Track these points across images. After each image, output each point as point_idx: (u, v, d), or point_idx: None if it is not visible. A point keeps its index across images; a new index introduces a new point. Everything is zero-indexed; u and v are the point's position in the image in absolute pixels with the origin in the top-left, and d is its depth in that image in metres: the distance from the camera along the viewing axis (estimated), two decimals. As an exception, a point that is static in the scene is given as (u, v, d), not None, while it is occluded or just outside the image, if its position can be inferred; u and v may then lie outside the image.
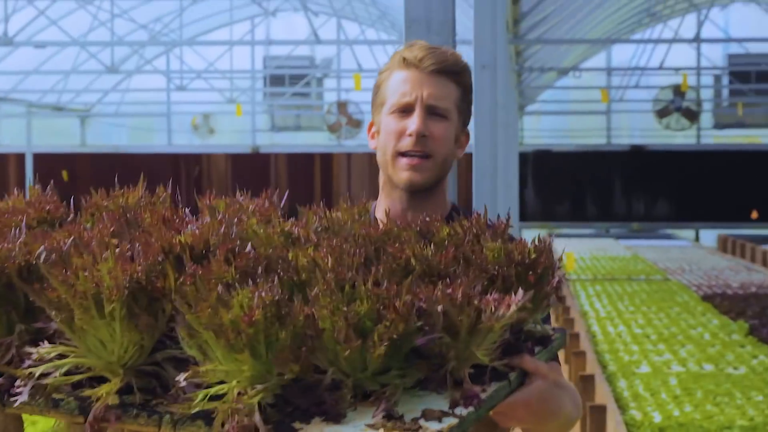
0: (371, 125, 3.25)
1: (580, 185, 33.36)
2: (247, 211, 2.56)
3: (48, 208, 2.64)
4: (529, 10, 18.44)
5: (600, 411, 9.33)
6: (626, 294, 17.91)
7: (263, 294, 2.04)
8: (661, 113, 32.15)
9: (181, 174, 33.45)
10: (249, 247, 2.29)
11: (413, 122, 3.03)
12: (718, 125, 34.06)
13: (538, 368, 2.41)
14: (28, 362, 2.17)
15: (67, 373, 2.19)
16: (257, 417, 2.03)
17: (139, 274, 2.13)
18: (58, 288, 2.11)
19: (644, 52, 32.98)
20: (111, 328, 2.13)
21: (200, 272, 2.13)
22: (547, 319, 2.79)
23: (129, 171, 35.72)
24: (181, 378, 2.08)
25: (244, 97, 34.54)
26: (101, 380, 2.21)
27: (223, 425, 2.05)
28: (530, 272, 2.39)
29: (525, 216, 30.91)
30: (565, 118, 35.81)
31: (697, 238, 33.77)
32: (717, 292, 17.97)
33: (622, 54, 34.10)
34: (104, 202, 2.67)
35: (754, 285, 19.09)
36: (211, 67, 31.93)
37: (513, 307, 2.17)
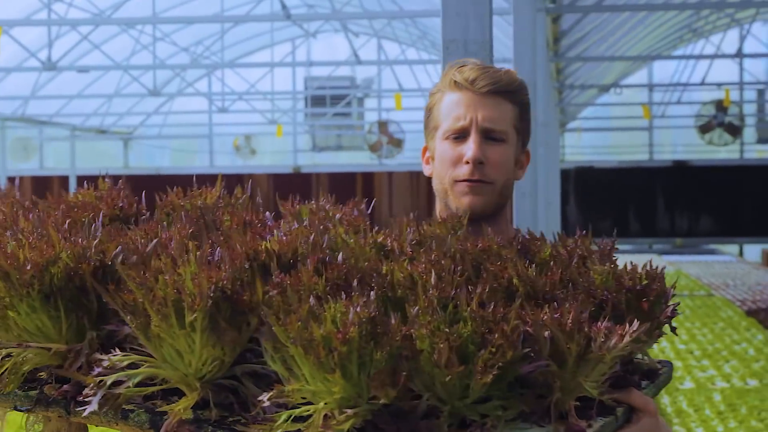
0: (425, 150, 3.20)
1: (622, 201, 33.01)
2: (334, 219, 2.44)
3: (121, 204, 2.56)
4: (569, 28, 18.44)
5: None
6: (669, 310, 17.84)
7: (359, 309, 1.87)
8: (704, 128, 31.99)
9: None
10: (340, 257, 2.15)
11: (469, 149, 2.98)
12: (762, 139, 34.02)
13: (646, 405, 2.24)
14: (98, 369, 2.04)
15: (139, 384, 2.07)
16: None
17: (225, 282, 1.99)
18: (136, 291, 1.99)
19: (686, 67, 32.87)
20: (191, 338, 2.00)
21: (289, 282, 1.98)
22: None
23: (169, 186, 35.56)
24: (265, 398, 1.94)
25: (285, 118, 34.69)
26: (174, 393, 2.11)
27: None
28: (643, 299, 2.22)
29: (567, 233, 30.59)
30: (606, 134, 35.83)
31: (741, 253, 33.67)
32: (762, 307, 17.94)
33: (663, 70, 34.06)
34: (180, 201, 2.59)
35: (798, 300, 19.04)
36: (252, 89, 31.60)
37: (627, 338, 2.01)
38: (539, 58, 11.47)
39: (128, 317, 2.01)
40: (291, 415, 1.91)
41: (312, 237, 2.23)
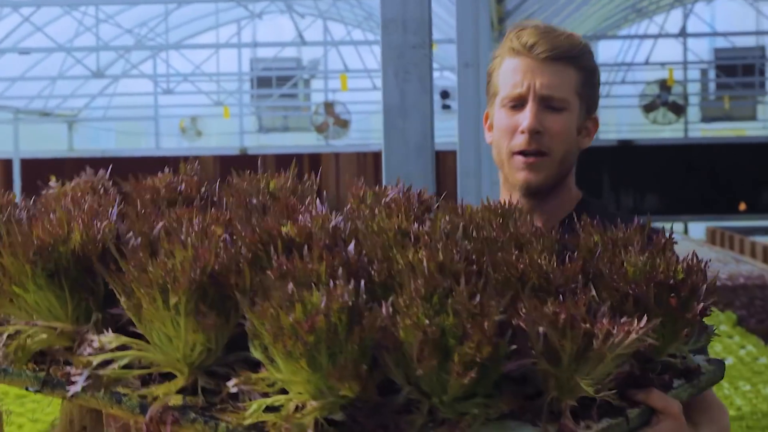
0: (487, 116, 3.13)
1: None
2: (380, 204, 2.35)
3: (180, 188, 2.51)
4: (514, 8, 18.50)
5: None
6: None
7: (335, 297, 1.82)
8: (648, 108, 32.35)
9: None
10: (351, 245, 2.09)
11: (525, 118, 2.92)
12: (705, 119, 34.49)
13: (668, 407, 2.13)
14: (88, 350, 2.05)
15: (130, 367, 2.06)
16: None
17: (216, 267, 1.98)
18: (129, 272, 1.98)
19: (630, 47, 33.46)
20: (176, 322, 1.98)
21: (286, 267, 1.95)
22: (703, 350, 2.46)
23: (117, 175, 35.70)
24: (231, 383, 1.91)
25: (231, 100, 34.85)
26: (173, 377, 2.09)
27: None
28: (673, 295, 2.13)
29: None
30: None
31: (686, 231, 33.83)
32: (707, 283, 17.94)
33: (608, 50, 34.28)
34: (246, 184, 2.54)
35: (742, 276, 19.15)
36: (197, 70, 31.93)
37: (633, 335, 1.92)
38: (483, 38, 11.38)
39: (123, 299, 2.00)
40: (262, 405, 1.86)
41: (333, 222, 2.18)
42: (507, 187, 3.00)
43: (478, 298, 1.82)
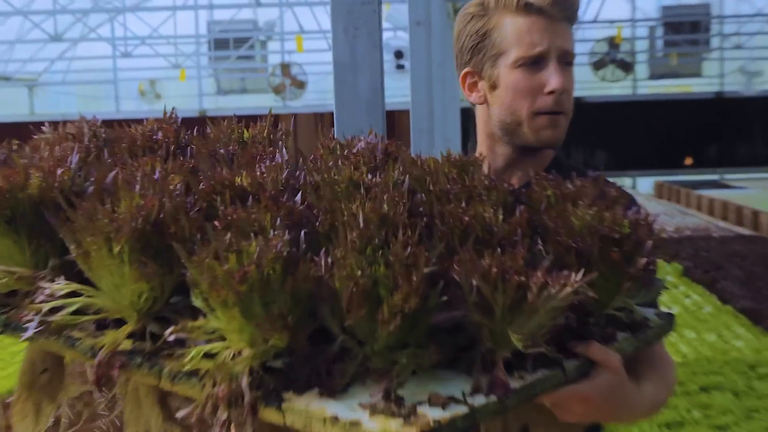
0: (466, 75, 3.05)
1: None
2: (344, 155, 2.31)
3: (159, 135, 2.47)
4: (463, -31, 18.51)
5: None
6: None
7: (269, 247, 1.80)
8: (597, 65, 32.31)
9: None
10: (298, 196, 2.07)
11: (554, 78, 2.87)
12: (653, 76, 34.33)
13: (607, 359, 2.10)
14: (40, 297, 2.05)
15: (83, 312, 2.05)
16: (243, 381, 1.82)
17: (162, 215, 1.96)
18: (77, 220, 1.97)
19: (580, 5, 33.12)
20: (121, 270, 1.95)
21: (231, 217, 1.94)
22: (653, 303, 2.47)
23: (78, 138, 35.28)
24: (167, 332, 1.90)
25: (190, 62, 34.49)
26: (125, 323, 2.07)
27: (212, 386, 1.83)
28: (617, 249, 2.08)
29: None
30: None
31: (634, 186, 34.03)
32: (655, 235, 18.12)
33: (558, 9, 34.15)
34: (222, 135, 2.51)
35: (689, 228, 19.43)
36: (155, 33, 31.83)
37: (568, 288, 1.87)
38: (434, 2, 11.56)
39: (72, 247, 2.02)
40: (201, 352, 1.88)
41: (285, 173, 2.17)
42: (492, 142, 3.01)
43: (410, 250, 1.82)
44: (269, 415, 1.84)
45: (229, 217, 1.94)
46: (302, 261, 1.83)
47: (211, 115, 30.48)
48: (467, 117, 25.39)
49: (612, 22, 31.37)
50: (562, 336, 1.99)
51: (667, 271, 13.92)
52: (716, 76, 34.23)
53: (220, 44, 33.20)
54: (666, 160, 32.64)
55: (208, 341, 1.89)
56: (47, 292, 2.06)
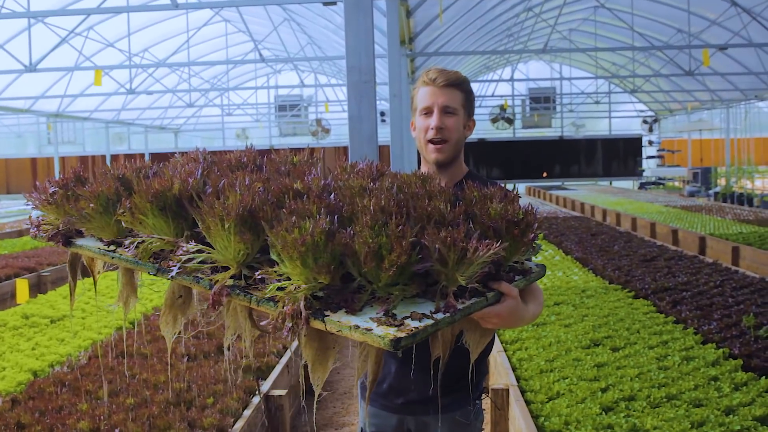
0: (412, 123, 3.02)
1: None
2: (353, 172, 2.40)
3: (244, 159, 2.51)
4: (419, 65, 18.45)
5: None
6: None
7: (317, 225, 1.92)
8: (494, 120, 33.84)
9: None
10: (332, 195, 2.14)
11: (433, 120, 2.84)
12: (524, 126, 35.51)
13: (510, 291, 2.18)
14: (179, 252, 2.11)
15: (205, 262, 2.11)
16: (301, 304, 1.91)
17: (252, 206, 2.03)
18: (203, 208, 2.06)
19: (484, 86, 33.60)
20: (228, 238, 2.02)
21: (293, 207, 2.04)
22: (532, 260, 2.54)
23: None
24: (257, 273, 1.98)
25: (264, 118, 35.08)
26: (228, 269, 2.15)
27: (282, 306, 1.94)
28: (516, 227, 2.19)
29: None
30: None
31: (515, 188, 34.05)
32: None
33: (472, 88, 34.35)
34: (279, 158, 2.54)
35: (546, 212, 19.28)
36: (245, 103, 32.12)
37: (491, 251, 2.01)
38: (403, 81, 11.57)
39: (200, 223, 2.09)
40: (275, 286, 1.94)
41: (323, 182, 2.24)
42: (425, 163, 2.95)
43: (400, 228, 1.94)
44: (316, 324, 1.95)
45: (292, 207, 2.06)
46: (337, 233, 1.96)
47: (276, 147, 30.49)
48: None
49: (502, 96, 32.51)
50: (486, 278, 2.12)
51: (534, 236, 13.73)
52: (559, 127, 35.20)
53: (281, 108, 33.96)
54: (532, 173, 34.58)
55: (279, 280, 1.98)
56: (184, 249, 2.14)
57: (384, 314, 1.90)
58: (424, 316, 1.92)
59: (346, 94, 4.91)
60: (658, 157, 34.18)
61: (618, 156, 34.62)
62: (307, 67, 31.98)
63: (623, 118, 36.20)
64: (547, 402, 4.79)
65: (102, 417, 4.36)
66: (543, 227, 14.63)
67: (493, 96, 33.94)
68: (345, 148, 35.62)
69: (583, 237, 12.84)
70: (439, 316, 1.94)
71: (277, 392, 5.20)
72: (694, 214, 17.41)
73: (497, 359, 5.85)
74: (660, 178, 32.90)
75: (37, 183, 2.40)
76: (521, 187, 34.18)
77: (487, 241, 2.02)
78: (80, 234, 2.34)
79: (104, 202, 2.22)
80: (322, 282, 1.92)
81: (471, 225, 2.14)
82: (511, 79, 31.55)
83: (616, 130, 35.93)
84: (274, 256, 1.97)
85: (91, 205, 2.22)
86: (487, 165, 35.09)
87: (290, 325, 1.92)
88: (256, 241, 2.05)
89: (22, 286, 8.49)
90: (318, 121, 33.52)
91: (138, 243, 2.20)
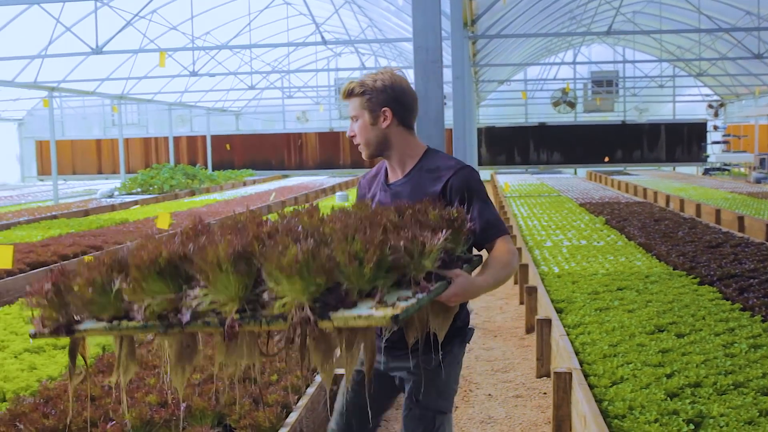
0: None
1: (511, 145, 34.67)
2: (302, 213, 2.82)
3: (231, 234, 2.64)
4: (481, 48, 18.32)
5: (524, 267, 9.34)
6: (538, 204, 17.77)
7: (304, 247, 2.28)
8: (555, 104, 33.93)
9: (291, 144, 34.59)
10: (300, 228, 2.56)
11: (348, 130, 3.22)
12: (587, 110, 35.00)
13: (459, 274, 2.64)
14: (190, 298, 2.35)
15: (211, 303, 2.35)
16: (308, 310, 2.24)
17: (238, 248, 2.33)
18: (196, 260, 2.33)
19: (545, 69, 33.38)
20: (227, 277, 2.29)
21: (272, 242, 2.38)
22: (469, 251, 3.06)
23: (262, 142, 35.63)
24: (264, 294, 2.29)
25: (324, 101, 35.02)
26: (232, 306, 2.38)
27: (291, 318, 2.24)
28: (455, 222, 2.74)
29: (481, 163, 31.16)
30: (502, 108, 35.77)
31: (575, 173, 33.91)
32: (587, 201, 17.89)
33: (533, 71, 34.19)
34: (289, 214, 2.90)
35: (607, 197, 19.00)
36: (306, 86, 32.16)
37: (441, 240, 2.52)
38: (466, 65, 11.51)
39: (199, 274, 2.35)
40: (280, 303, 2.23)
41: (285, 221, 2.67)
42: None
43: (369, 234, 2.36)
44: (324, 324, 2.26)
45: (276, 239, 2.39)
46: (320, 250, 2.29)
47: (336, 130, 30.36)
48: (480, 133, 25.35)
49: (564, 79, 32.23)
50: (442, 267, 2.58)
51: (596, 221, 13.56)
52: (621, 111, 34.61)
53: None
54: (593, 158, 34.10)
55: (278, 299, 2.26)
56: (192, 294, 2.38)
57: (378, 302, 2.30)
58: (408, 297, 2.36)
59: (413, 76, 4.79)
60: (724, 142, 33.12)
61: (682, 141, 34.10)
62: (368, 50, 32.06)
63: (688, 103, 35.41)
64: (610, 386, 4.74)
65: (170, 391, 4.40)
66: (605, 212, 14.52)
67: (555, 79, 33.78)
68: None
69: (646, 222, 12.67)
70: (420, 295, 2.39)
71: (338, 371, 5.25)
72: (761, 201, 17.05)
73: (559, 343, 5.80)
74: (725, 164, 31.99)
75: (28, 287, 2.59)
76: (582, 171, 33.80)
77: (436, 233, 2.53)
78: (78, 322, 2.53)
79: (100, 286, 2.43)
80: (319, 288, 2.25)
81: (419, 228, 2.60)
82: (573, 62, 31.09)
83: (680, 115, 35.27)
84: (270, 282, 2.27)
85: (90, 289, 2.43)
86: (548, 149, 34.79)
87: (300, 331, 2.23)
88: (250, 276, 2.33)
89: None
90: (378, 104, 33.62)
91: (145, 307, 2.41)
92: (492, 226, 3.00)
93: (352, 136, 3.14)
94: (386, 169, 3.25)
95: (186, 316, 2.33)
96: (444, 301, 2.59)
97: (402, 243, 2.38)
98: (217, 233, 2.60)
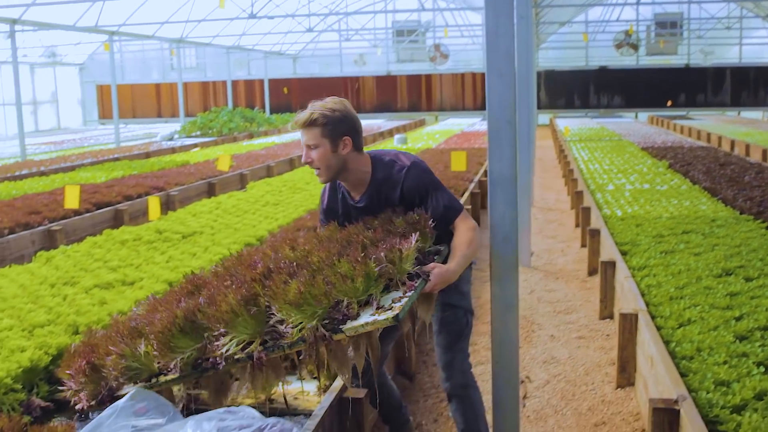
0: None
1: (571, 89, 33.93)
2: (285, 246, 3.29)
3: (228, 281, 3.09)
4: None
5: (586, 210, 9.24)
6: (599, 147, 17.49)
7: (302, 279, 2.69)
8: (618, 46, 33.09)
9: (349, 87, 34.47)
10: (292, 263, 2.96)
11: (303, 156, 3.40)
12: (649, 53, 34.25)
13: (434, 266, 3.08)
14: (220, 343, 2.73)
15: (238, 344, 2.75)
16: (321, 329, 2.62)
17: (245, 292, 2.74)
18: (210, 314, 2.72)
19: (607, 11, 32.60)
20: (244, 320, 2.67)
21: (270, 282, 2.79)
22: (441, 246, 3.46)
23: (319, 86, 35.44)
24: (282, 327, 2.69)
25: (382, 44, 34.78)
26: (251, 343, 2.82)
27: (310, 339, 2.63)
28: (418, 226, 3.17)
29: (540, 107, 30.84)
30: (562, 51, 35.10)
31: (636, 117, 33.42)
32: (649, 145, 17.57)
33: (595, 12, 33.35)
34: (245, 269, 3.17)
35: (670, 142, 18.69)
36: (363, 29, 31.94)
37: (413, 243, 2.95)
38: (530, 7, 11.23)
39: (218, 326, 2.74)
40: (295, 331, 2.65)
41: (274, 256, 3.14)
42: None
43: (350, 254, 2.83)
44: (337, 337, 2.66)
45: (274, 279, 2.83)
46: (315, 278, 2.71)
47: (393, 74, 30.11)
48: (539, 77, 24.62)
49: (627, 21, 32.17)
50: (418, 263, 3.02)
51: (659, 166, 13.33)
52: (685, 54, 33.71)
53: (399, 33, 33.88)
54: (656, 102, 33.60)
55: (294, 326, 2.66)
56: (221, 342, 2.73)
57: (377, 308, 2.72)
58: (401, 297, 2.78)
59: (481, 18, 4.62)
60: (792, 86, 32.94)
61: (748, 85, 33.11)
62: (427, -9, 31.72)
63: (755, 46, 34.18)
64: (677, 328, 4.71)
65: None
66: (668, 156, 14.26)
67: (618, 21, 32.81)
68: (462, 75, 35.34)
69: (711, 167, 12.43)
70: (409, 293, 2.81)
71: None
72: (829, 146, 16.64)
73: (624, 285, 5.77)
74: (792, 109, 31.28)
75: (70, 371, 3.11)
76: (644, 115, 33.19)
77: (407, 238, 3.00)
78: (118, 388, 2.96)
79: (131, 357, 2.86)
80: (324, 305, 2.66)
81: (391, 236, 3.05)
82: (637, 3, 29.91)
83: (746, 59, 34.08)
84: (281, 314, 2.68)
85: (123, 361, 2.88)
86: (609, 93, 34.16)
87: (317, 347, 2.67)
88: (261, 313, 2.73)
89: (153, 203, 8.76)
90: (437, 46, 33.31)
91: (179, 359, 2.82)
92: (449, 210, 3.42)
93: (309, 162, 3.39)
94: (345, 189, 3.61)
95: (221, 363, 2.73)
96: (428, 291, 3.06)
97: (383, 254, 2.84)
98: (213, 282, 3.05)
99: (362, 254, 2.82)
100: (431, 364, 5.48)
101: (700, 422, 3.33)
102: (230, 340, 2.69)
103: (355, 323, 2.65)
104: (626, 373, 4.99)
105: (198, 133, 25.03)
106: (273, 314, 2.75)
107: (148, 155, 18.13)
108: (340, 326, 2.65)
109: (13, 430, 3.10)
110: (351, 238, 3.07)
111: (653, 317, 4.95)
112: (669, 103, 33.61)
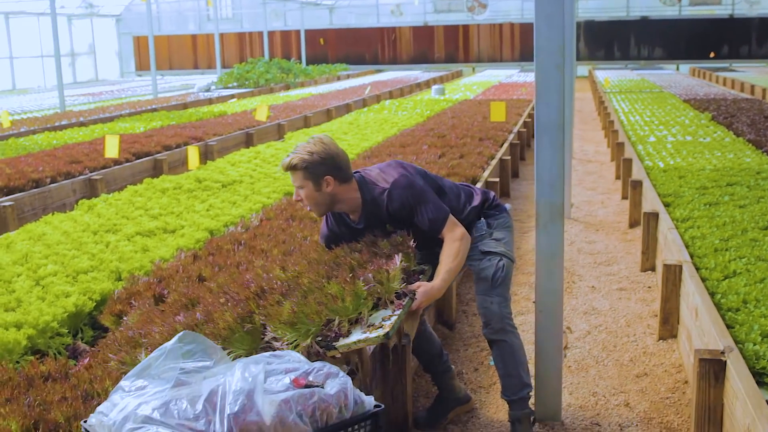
0: None
1: (611, 39, 33.59)
2: (276, 269, 3.41)
3: (223, 299, 3.21)
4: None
5: (627, 162, 9.11)
6: (639, 99, 17.19)
7: (295, 299, 2.86)
8: None
9: (385, 38, 34.60)
10: (278, 283, 3.12)
11: (294, 195, 3.61)
12: (692, 3, 33.50)
13: (420, 285, 3.26)
14: (268, 339, 2.83)
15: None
16: (316, 346, 2.73)
17: (240, 310, 2.88)
18: (210, 330, 2.78)
19: None
20: (241, 336, 2.76)
21: (264, 302, 2.92)
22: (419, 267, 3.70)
23: (356, 37, 35.29)
24: (277, 344, 2.76)
25: (419, -6, 34.68)
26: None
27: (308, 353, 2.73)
28: (401, 248, 3.32)
29: (579, 58, 30.37)
30: (602, 1, 34.52)
31: (677, 69, 32.75)
32: (691, 97, 17.24)
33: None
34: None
35: (712, 94, 18.34)
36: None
37: (398, 264, 3.14)
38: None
39: (217, 341, 2.79)
40: (294, 346, 2.75)
41: (265, 277, 3.27)
42: None
43: (338, 276, 3.04)
44: (331, 353, 2.78)
45: (268, 299, 3.00)
46: (307, 298, 2.90)
47: (430, 24, 29.82)
48: (578, 27, 24.31)
49: None
50: (404, 282, 3.20)
51: (702, 118, 13.09)
52: (730, 4, 33.05)
53: None
54: (698, 53, 33.20)
55: (289, 344, 2.77)
56: (269, 336, 2.83)
57: (367, 326, 2.86)
58: (391, 316, 2.94)
59: None
60: (840, 37, 31.79)
61: (794, 36, 32.47)
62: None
63: (804, -5, 34.04)
64: (722, 280, 4.64)
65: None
66: (711, 108, 14.00)
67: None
68: (501, 26, 34.85)
69: (756, 119, 12.19)
70: (398, 311, 2.98)
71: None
72: None
73: (668, 236, 5.71)
74: (840, 61, 30.54)
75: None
76: (685, 67, 32.62)
77: (392, 259, 3.19)
78: None
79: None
80: (317, 324, 2.78)
81: (377, 257, 3.24)
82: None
83: (794, 8, 33.64)
84: (276, 332, 2.78)
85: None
86: (649, 44, 33.59)
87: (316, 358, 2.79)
88: (257, 332, 2.83)
89: (193, 152, 8.79)
90: (474, -5, 32.77)
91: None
92: (434, 222, 3.55)
93: (299, 200, 3.57)
94: (345, 213, 3.79)
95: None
96: (414, 309, 3.27)
97: (371, 275, 3.01)
98: (208, 299, 3.18)
99: (350, 275, 3.02)
100: (471, 313, 5.49)
101: (747, 373, 3.30)
102: (227, 355, 2.71)
103: (348, 340, 2.78)
104: (669, 324, 4.95)
105: (235, 84, 25.08)
106: (267, 332, 2.88)
107: (185, 106, 18.22)
108: (333, 343, 2.78)
109: (60, 373, 3.12)
110: (339, 260, 3.29)
111: (698, 269, 4.88)
112: (712, 54, 33.02)
